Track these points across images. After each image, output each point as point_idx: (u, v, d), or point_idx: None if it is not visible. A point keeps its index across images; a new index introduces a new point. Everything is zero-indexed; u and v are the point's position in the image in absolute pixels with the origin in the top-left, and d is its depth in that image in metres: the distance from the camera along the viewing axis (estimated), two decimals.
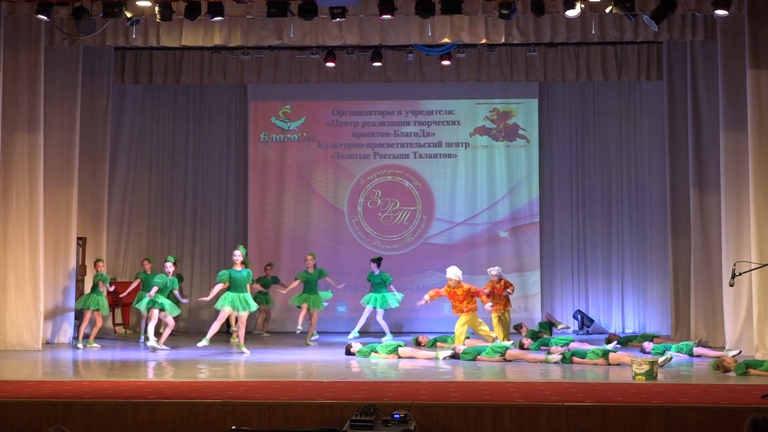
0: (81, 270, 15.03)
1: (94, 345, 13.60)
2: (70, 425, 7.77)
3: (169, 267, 13.54)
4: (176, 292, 13.90)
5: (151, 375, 10.96)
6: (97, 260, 14.38)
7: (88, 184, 15.22)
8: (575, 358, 11.66)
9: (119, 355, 12.95)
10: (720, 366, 10.87)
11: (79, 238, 14.87)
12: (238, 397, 8.62)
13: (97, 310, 13.79)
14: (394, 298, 14.93)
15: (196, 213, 17.03)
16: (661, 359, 11.11)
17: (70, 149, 14.45)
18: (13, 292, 13.25)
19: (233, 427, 7.63)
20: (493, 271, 13.91)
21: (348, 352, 12.74)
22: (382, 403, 7.86)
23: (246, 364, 11.72)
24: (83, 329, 13.72)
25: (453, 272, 13.36)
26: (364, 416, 7.31)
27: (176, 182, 17.03)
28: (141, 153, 16.91)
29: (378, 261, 15.09)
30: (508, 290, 13.69)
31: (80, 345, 13.55)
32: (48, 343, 13.93)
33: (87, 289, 15.02)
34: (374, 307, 14.90)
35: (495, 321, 13.65)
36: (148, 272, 14.39)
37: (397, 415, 7.40)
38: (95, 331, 13.83)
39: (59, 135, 14.33)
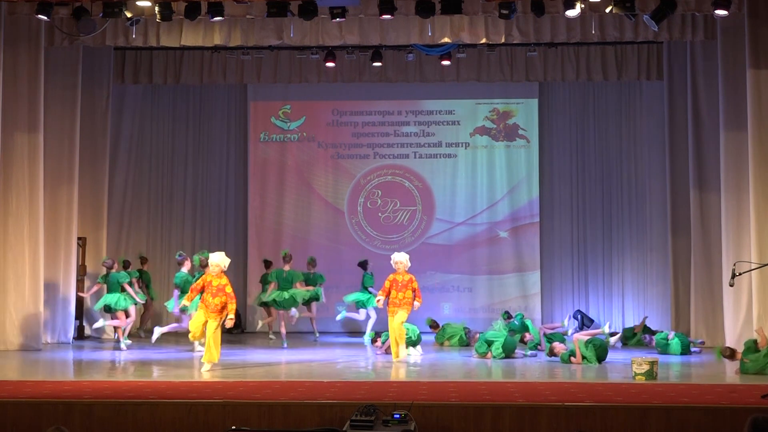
0: (81, 270, 15.02)
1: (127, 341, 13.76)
2: (70, 425, 7.76)
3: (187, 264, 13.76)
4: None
5: (151, 375, 10.95)
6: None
7: (88, 184, 15.21)
8: (573, 358, 11.67)
9: (119, 355, 12.94)
10: (725, 351, 11.06)
11: (79, 238, 14.87)
12: (238, 397, 8.63)
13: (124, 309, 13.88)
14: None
15: (196, 213, 17.04)
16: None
17: (70, 149, 14.45)
18: (13, 292, 13.25)
19: (233, 427, 7.63)
20: (398, 257, 12.35)
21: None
22: (382, 403, 7.87)
23: (246, 364, 11.72)
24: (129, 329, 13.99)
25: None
26: (364, 416, 7.32)
27: (176, 182, 17.03)
28: (141, 153, 16.91)
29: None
30: (416, 302, 12.20)
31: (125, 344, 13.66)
32: (48, 343, 13.93)
33: (86, 288, 15.05)
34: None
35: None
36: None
37: (397, 415, 7.41)
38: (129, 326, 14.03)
39: (59, 135, 14.33)
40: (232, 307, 11.02)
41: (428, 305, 15.36)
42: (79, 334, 14.90)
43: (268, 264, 15.21)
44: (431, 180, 16.96)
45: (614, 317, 16.31)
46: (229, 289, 11.09)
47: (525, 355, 12.54)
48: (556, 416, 7.95)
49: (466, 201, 16.84)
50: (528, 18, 13.05)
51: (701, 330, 13.78)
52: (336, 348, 13.89)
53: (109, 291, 13.68)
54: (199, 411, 8.14)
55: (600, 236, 16.54)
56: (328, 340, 14.82)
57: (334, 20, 12.15)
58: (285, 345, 13.73)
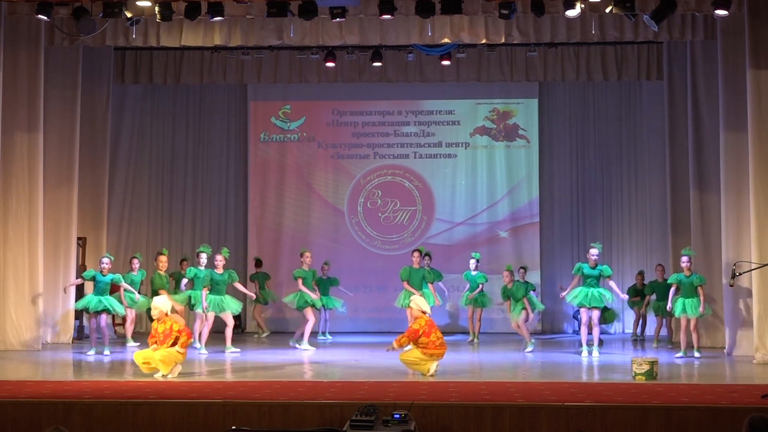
0: (81, 270, 15.01)
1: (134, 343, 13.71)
2: (70, 425, 7.76)
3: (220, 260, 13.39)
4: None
5: (150, 375, 10.93)
6: (133, 257, 14.31)
7: (88, 184, 15.22)
8: None
9: (119, 355, 12.93)
10: None
11: (79, 238, 14.87)
12: (238, 397, 8.62)
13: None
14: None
15: (196, 213, 17.04)
16: None
17: (70, 149, 14.45)
18: (13, 292, 13.25)
19: (233, 427, 7.63)
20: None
21: None
22: (382, 403, 7.86)
23: (246, 364, 11.72)
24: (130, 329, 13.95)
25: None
26: (364, 416, 7.31)
27: (176, 182, 17.04)
28: (141, 153, 16.92)
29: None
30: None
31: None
32: (48, 343, 13.92)
33: (86, 289, 15.03)
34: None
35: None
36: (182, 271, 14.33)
37: (397, 415, 7.40)
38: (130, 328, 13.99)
39: (59, 135, 14.33)
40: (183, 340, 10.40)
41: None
42: (79, 334, 14.89)
43: (258, 263, 15.63)
44: (431, 180, 16.96)
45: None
46: (177, 326, 10.46)
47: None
48: (556, 416, 7.95)
49: (466, 201, 16.85)
50: (528, 18, 13.05)
51: (701, 330, 13.73)
52: (339, 348, 13.88)
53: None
54: (199, 411, 8.13)
55: (600, 236, 16.51)
56: (333, 341, 14.80)
57: (334, 20, 12.15)
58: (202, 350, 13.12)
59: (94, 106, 15.43)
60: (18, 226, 13.31)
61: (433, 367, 10.45)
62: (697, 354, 12.26)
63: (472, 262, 14.81)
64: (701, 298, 12.34)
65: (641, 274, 15.22)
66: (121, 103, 16.57)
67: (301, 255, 13.91)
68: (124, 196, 16.74)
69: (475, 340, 14.68)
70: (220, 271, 13.20)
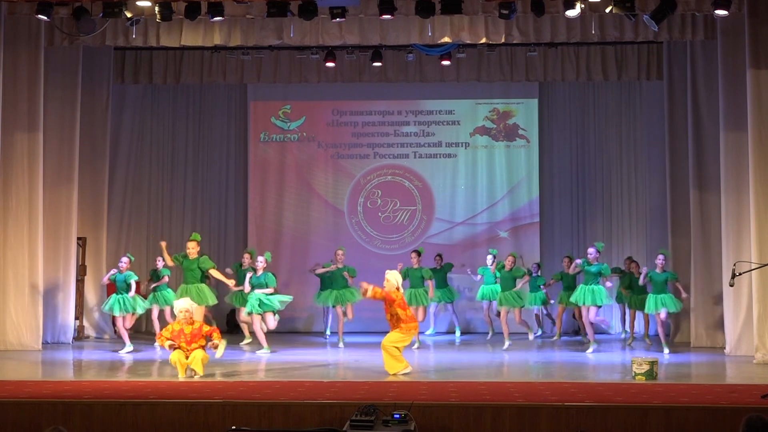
0: (81, 270, 15.02)
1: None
2: (70, 425, 7.77)
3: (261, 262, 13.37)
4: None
5: (151, 375, 10.95)
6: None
7: (88, 184, 15.22)
8: None
9: (119, 355, 12.93)
10: None
11: (79, 238, 14.87)
12: (238, 397, 8.63)
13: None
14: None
15: (196, 213, 17.04)
16: None
17: (70, 149, 14.45)
18: (13, 292, 13.25)
19: (233, 427, 7.63)
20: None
21: None
22: (382, 403, 7.87)
23: (246, 364, 11.72)
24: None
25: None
26: (364, 416, 7.32)
27: (176, 182, 17.04)
28: (141, 153, 16.91)
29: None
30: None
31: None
32: (48, 343, 13.92)
33: (86, 288, 15.05)
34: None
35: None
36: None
37: (397, 415, 7.41)
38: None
39: (59, 135, 14.33)
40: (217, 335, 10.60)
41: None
42: (79, 334, 14.89)
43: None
44: (431, 180, 16.97)
45: (614, 317, 16.30)
46: (206, 328, 10.65)
47: None
48: (556, 416, 7.95)
49: (466, 201, 16.85)
50: (528, 18, 13.05)
51: (701, 330, 13.77)
52: (339, 348, 13.88)
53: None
54: (199, 411, 8.14)
55: (600, 236, 16.52)
56: (334, 340, 14.81)
57: (334, 20, 12.15)
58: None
59: (94, 106, 15.42)
60: (18, 226, 13.31)
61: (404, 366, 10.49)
62: (666, 350, 12.77)
63: (489, 258, 14.81)
64: (679, 288, 13.24)
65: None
66: (121, 103, 16.56)
67: (335, 254, 14.27)
68: (124, 196, 16.73)
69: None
70: (259, 273, 13.34)
